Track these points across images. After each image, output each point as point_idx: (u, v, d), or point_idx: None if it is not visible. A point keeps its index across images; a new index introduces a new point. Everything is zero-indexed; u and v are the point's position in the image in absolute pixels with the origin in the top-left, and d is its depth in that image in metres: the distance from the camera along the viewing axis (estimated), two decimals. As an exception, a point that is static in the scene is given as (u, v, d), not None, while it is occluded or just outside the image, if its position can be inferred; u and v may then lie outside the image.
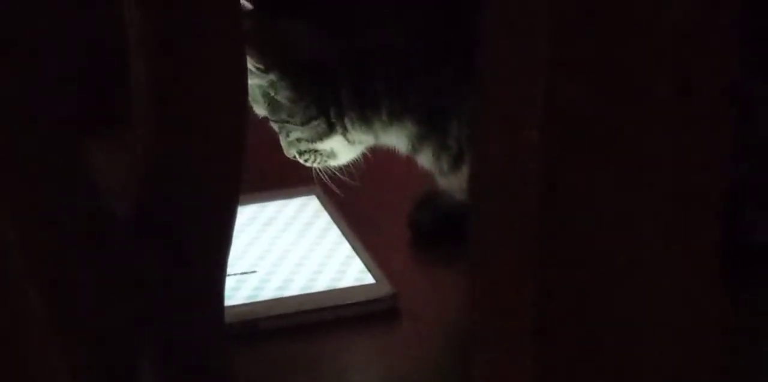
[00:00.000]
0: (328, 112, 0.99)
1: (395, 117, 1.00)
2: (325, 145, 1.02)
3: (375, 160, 1.05)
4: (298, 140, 1.03)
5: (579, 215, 0.54)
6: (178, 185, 0.74)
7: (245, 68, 0.76)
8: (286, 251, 1.05)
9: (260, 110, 1.03)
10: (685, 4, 0.54)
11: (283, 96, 1.00)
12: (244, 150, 0.75)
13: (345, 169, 1.05)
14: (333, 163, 1.04)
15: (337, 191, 1.06)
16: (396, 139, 1.02)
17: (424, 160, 1.03)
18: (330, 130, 1.01)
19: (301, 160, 1.05)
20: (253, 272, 1.01)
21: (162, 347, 0.75)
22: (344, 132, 1.01)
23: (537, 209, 0.54)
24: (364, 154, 1.04)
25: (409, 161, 1.05)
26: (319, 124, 1.00)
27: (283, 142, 1.05)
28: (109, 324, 0.70)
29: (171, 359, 0.75)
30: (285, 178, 1.17)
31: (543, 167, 0.53)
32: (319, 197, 1.14)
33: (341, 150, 1.03)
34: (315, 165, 1.05)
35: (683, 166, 0.55)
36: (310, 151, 1.04)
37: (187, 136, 0.73)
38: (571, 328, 0.56)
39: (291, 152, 1.05)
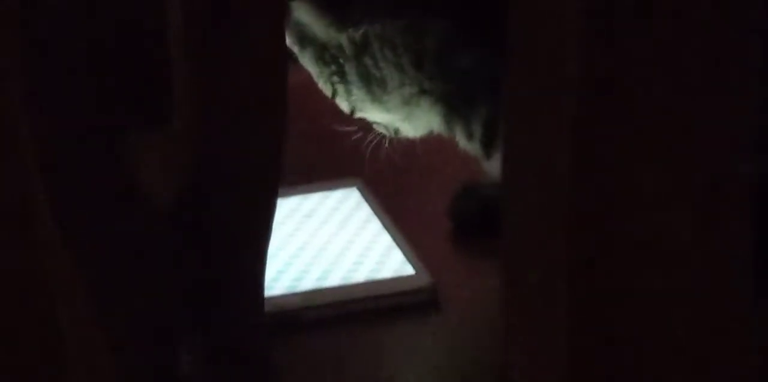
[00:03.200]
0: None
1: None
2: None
3: (415, 151, 1.06)
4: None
5: (610, 208, 0.55)
6: (219, 178, 0.75)
7: (286, 62, 0.76)
8: (326, 243, 1.05)
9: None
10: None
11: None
12: (284, 143, 0.76)
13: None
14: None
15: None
16: (427, 117, 1.02)
17: (463, 143, 1.03)
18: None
19: None
20: None
21: (202, 337, 0.76)
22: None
23: (568, 202, 0.54)
24: (405, 146, 1.04)
25: (448, 152, 1.05)
26: None
27: None
28: (148, 316, 0.71)
29: (211, 349, 0.76)
30: (326, 171, 1.18)
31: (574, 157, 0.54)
32: (359, 189, 1.15)
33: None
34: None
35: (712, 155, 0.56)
36: None
37: (227, 130, 0.74)
38: (604, 321, 0.57)
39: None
